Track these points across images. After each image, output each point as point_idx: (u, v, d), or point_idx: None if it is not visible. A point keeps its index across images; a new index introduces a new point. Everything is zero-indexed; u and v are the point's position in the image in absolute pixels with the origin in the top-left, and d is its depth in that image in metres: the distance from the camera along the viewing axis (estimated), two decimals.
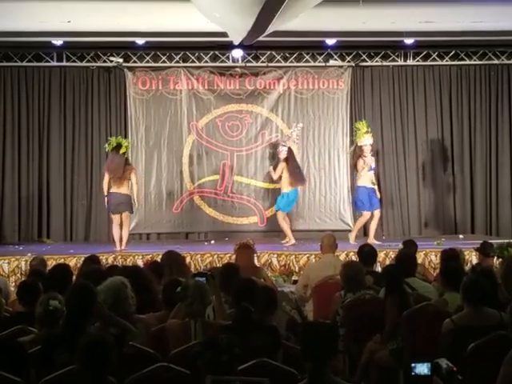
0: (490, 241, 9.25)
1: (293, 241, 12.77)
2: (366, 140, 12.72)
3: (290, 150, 13.12)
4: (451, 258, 7.77)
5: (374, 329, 6.37)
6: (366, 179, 12.62)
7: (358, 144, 12.76)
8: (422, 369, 3.89)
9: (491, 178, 14.91)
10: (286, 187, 12.96)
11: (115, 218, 12.33)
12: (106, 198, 12.35)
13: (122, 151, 12.28)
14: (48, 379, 4.62)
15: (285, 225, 13.06)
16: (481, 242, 8.95)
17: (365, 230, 13.80)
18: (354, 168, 13.04)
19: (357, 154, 12.72)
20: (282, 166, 13.00)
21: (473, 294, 5.59)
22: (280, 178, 13.01)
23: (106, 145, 12.73)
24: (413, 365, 3.89)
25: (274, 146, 14.43)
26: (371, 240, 12.33)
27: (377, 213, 12.77)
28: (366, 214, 12.75)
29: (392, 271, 6.81)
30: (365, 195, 12.61)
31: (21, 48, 14.05)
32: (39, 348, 5.00)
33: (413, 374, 3.89)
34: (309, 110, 14.82)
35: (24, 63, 14.41)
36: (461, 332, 5.44)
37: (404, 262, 7.30)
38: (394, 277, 6.55)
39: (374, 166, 12.84)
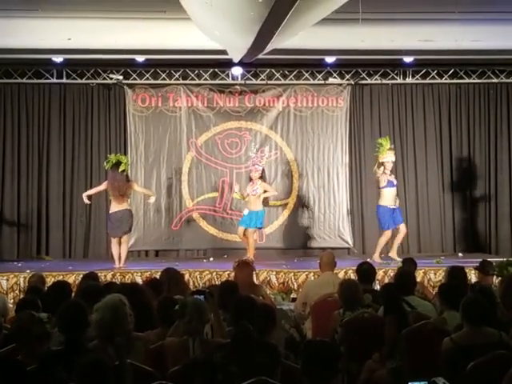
0: (490, 259, 9.23)
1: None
2: (389, 157, 12.71)
3: (264, 170, 13.20)
4: (458, 276, 7.74)
5: (373, 347, 6.34)
6: (388, 198, 12.59)
7: (380, 160, 12.74)
8: None
9: (490, 197, 14.93)
10: (260, 206, 12.96)
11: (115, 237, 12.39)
12: (84, 197, 12.63)
13: (121, 169, 12.31)
14: None
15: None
16: (480, 260, 8.93)
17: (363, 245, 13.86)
18: (377, 185, 12.99)
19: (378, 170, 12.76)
20: (263, 184, 13.06)
21: (473, 313, 5.58)
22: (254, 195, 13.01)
23: (105, 162, 12.76)
24: None
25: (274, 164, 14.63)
26: (393, 255, 12.33)
27: (402, 227, 12.72)
28: (388, 233, 12.68)
29: (390, 290, 6.80)
30: (386, 214, 12.58)
31: (21, 65, 14.11)
32: (37, 365, 4.99)
33: None
34: (308, 127, 14.85)
35: (24, 80, 14.46)
36: (460, 351, 5.42)
37: (403, 281, 7.29)
38: (393, 296, 6.54)
39: (395, 182, 12.81)
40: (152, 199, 12.97)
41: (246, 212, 12.98)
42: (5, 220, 14.47)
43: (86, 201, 12.67)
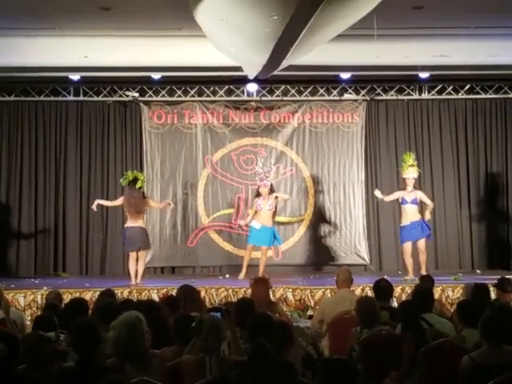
0: (508, 276, 9.16)
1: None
2: (410, 173, 12.68)
3: (272, 185, 13.14)
4: (481, 293, 7.67)
5: (391, 365, 6.29)
6: (405, 215, 12.61)
7: (402, 176, 12.76)
8: None
9: (508, 213, 14.82)
10: (271, 222, 12.95)
11: (132, 253, 12.38)
12: (95, 203, 12.75)
13: (138, 185, 12.36)
14: None
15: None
16: (498, 277, 8.87)
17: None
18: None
19: (401, 186, 12.75)
20: (275, 197, 13.02)
21: (491, 331, 5.53)
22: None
23: (122, 179, 12.80)
24: None
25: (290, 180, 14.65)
26: (423, 272, 12.17)
27: (419, 244, 12.60)
28: (403, 247, 12.64)
29: (408, 307, 6.75)
30: (403, 231, 12.60)
31: (38, 83, 14.20)
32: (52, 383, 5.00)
33: None
34: (323, 143, 14.84)
35: (41, 98, 14.56)
36: (479, 369, 5.37)
37: (421, 298, 7.25)
38: (411, 313, 6.49)
39: (410, 200, 12.67)
40: (170, 207, 13.13)
41: (257, 226, 12.86)
42: (22, 237, 14.52)
43: (94, 207, 12.68)
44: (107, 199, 14.23)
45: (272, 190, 13.09)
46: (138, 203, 12.30)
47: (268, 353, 5.07)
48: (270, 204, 12.86)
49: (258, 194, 12.99)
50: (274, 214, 13.14)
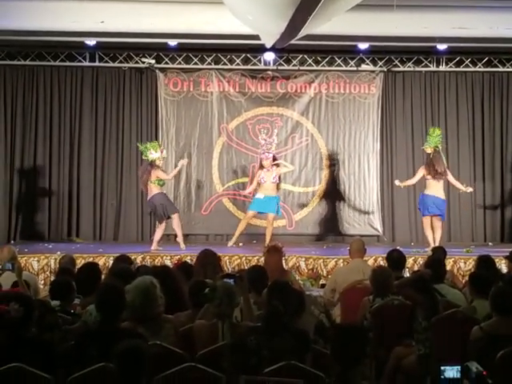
0: None
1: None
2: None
3: (274, 156, 13.11)
4: (486, 265, 7.71)
5: (402, 334, 6.34)
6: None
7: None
8: (452, 372, 3.87)
9: None
10: (275, 191, 12.94)
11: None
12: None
13: (144, 156, 12.47)
14: (78, 376, 4.67)
15: None
16: (510, 250, 8.88)
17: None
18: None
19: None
20: (278, 169, 13.00)
21: (502, 303, 5.58)
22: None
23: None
24: (442, 368, 3.88)
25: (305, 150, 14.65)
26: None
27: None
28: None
29: (420, 274, 6.80)
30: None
31: (54, 47, 14.15)
32: (72, 343, 5.05)
33: (442, 377, 3.87)
34: (339, 114, 14.78)
35: (57, 63, 14.50)
36: (489, 340, 5.42)
37: (433, 269, 7.28)
38: (423, 278, 6.55)
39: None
40: (185, 162, 13.17)
41: (261, 196, 12.86)
42: (36, 202, 14.57)
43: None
44: (122, 165, 14.62)
45: (274, 159, 13.04)
46: (142, 174, 12.42)
47: (282, 318, 5.12)
48: (274, 176, 12.87)
49: (261, 166, 12.92)
50: (278, 185, 13.15)
